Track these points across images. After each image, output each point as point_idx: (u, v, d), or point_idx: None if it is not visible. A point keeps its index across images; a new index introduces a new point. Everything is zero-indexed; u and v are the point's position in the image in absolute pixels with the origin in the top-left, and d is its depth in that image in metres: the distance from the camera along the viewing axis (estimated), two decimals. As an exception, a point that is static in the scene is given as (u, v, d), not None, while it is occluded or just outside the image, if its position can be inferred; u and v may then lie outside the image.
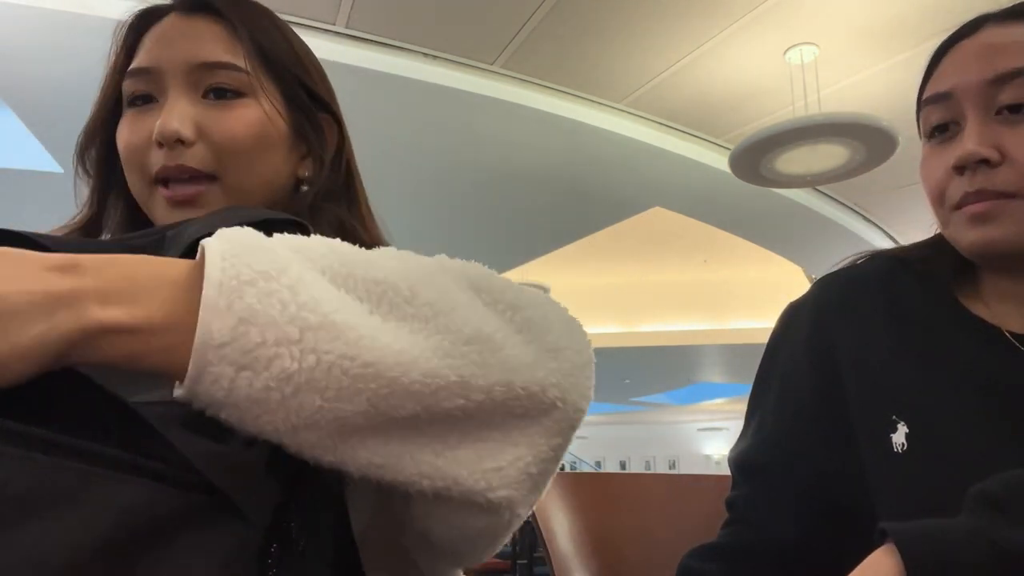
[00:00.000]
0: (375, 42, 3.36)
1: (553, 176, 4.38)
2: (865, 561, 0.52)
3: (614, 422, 15.47)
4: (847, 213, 5.31)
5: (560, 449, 0.45)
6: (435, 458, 0.41)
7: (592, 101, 3.91)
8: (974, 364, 0.70)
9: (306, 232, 0.53)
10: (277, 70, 0.70)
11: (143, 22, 0.71)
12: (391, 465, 0.40)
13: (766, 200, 4.66)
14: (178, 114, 0.65)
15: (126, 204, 0.73)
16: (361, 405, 0.38)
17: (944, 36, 0.75)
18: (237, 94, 0.67)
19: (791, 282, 6.18)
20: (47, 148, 3.66)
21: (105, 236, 0.72)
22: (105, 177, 0.73)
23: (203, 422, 0.38)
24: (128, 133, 0.67)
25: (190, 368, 0.36)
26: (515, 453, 0.43)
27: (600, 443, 15.01)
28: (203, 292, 0.36)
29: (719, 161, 4.25)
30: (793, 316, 0.83)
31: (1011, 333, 0.71)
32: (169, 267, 0.38)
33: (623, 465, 15.74)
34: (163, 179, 0.66)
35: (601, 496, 1.13)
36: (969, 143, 0.68)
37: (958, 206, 0.70)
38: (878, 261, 0.81)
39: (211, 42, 0.67)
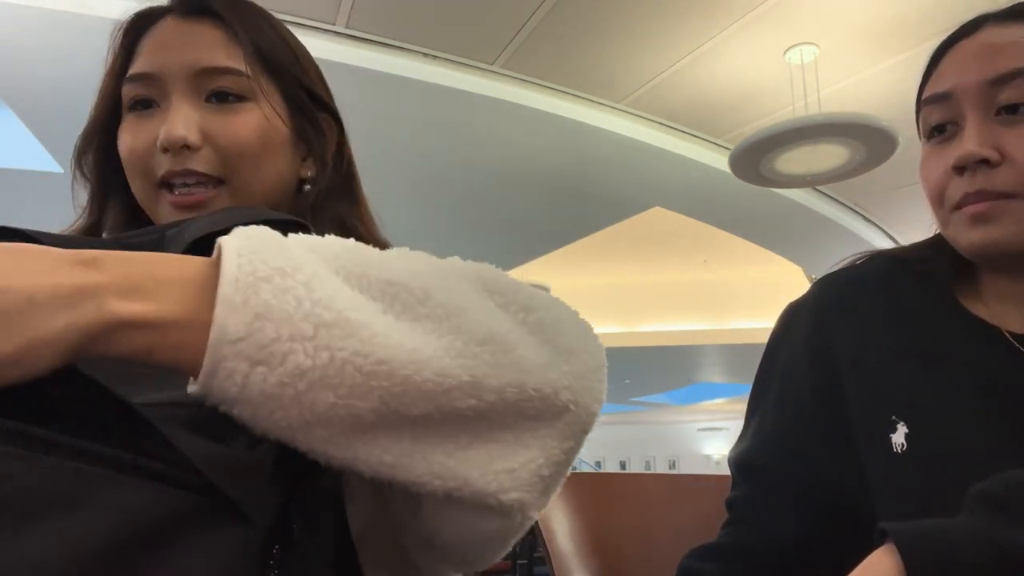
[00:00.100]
0: (375, 42, 3.36)
1: (553, 176, 4.38)
2: (865, 561, 0.52)
3: (614, 422, 15.47)
4: (847, 213, 5.31)
5: (572, 452, 0.45)
6: (446, 458, 0.41)
7: (592, 101, 3.91)
8: (974, 364, 0.70)
9: (307, 232, 0.53)
10: (277, 72, 0.70)
11: (140, 24, 0.70)
12: (402, 464, 0.40)
13: (766, 200, 4.66)
14: (183, 120, 0.65)
15: (125, 208, 0.73)
16: (374, 403, 0.38)
17: (944, 36, 0.75)
18: (239, 98, 0.67)
19: (791, 282, 6.18)
20: (47, 148, 3.66)
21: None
22: (104, 181, 0.72)
23: (205, 423, 0.38)
24: (130, 138, 0.67)
25: (205, 363, 0.36)
26: (527, 455, 0.43)
27: (600, 443, 15.01)
28: (219, 287, 0.36)
29: (719, 161, 4.25)
30: (793, 316, 0.83)
31: (1011, 333, 0.71)
32: (186, 264, 0.39)
33: (623, 465, 15.74)
34: (168, 183, 0.66)
35: (601, 496, 1.13)
36: (969, 143, 0.68)
37: (958, 206, 0.70)
38: (878, 261, 0.81)
39: (212, 47, 0.67)
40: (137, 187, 0.68)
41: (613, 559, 1.07)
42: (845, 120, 3.30)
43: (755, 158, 3.53)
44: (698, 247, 6.97)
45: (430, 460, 0.40)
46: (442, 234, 5.17)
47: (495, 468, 0.42)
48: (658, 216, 5.17)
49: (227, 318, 0.36)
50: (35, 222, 0.51)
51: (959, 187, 0.69)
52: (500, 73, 3.63)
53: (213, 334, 0.36)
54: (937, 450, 0.68)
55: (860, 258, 0.83)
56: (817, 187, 4.81)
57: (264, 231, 0.40)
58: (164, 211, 0.67)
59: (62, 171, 3.67)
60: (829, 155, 3.50)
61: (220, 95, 0.67)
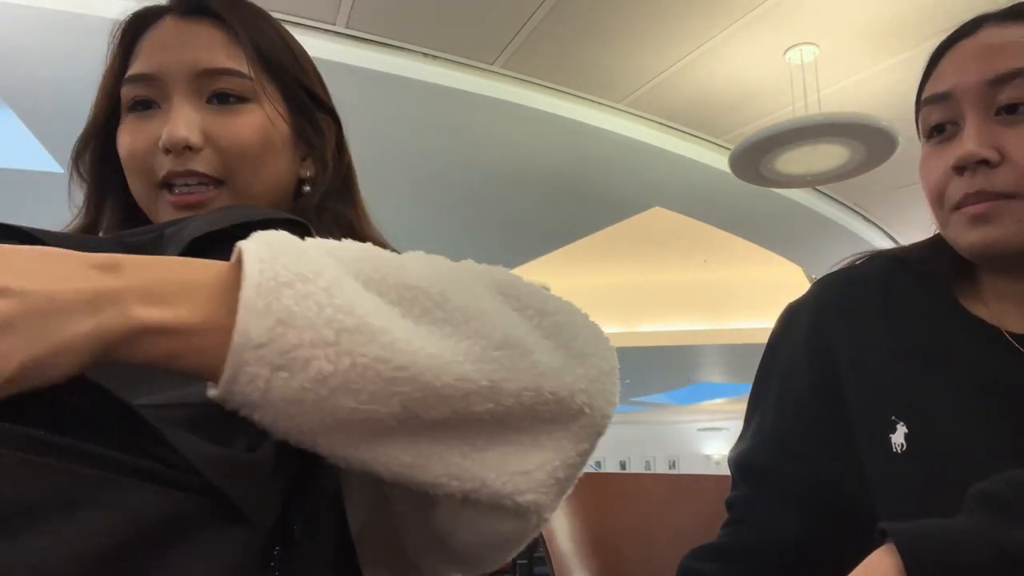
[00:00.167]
0: (375, 42, 3.36)
1: (553, 176, 4.38)
2: (865, 561, 0.52)
3: (614, 422, 15.15)
4: (847, 213, 5.30)
5: (586, 454, 0.45)
6: (463, 459, 0.41)
7: (592, 101, 3.91)
8: (973, 364, 0.70)
9: (307, 232, 0.53)
10: (278, 73, 0.70)
11: (138, 24, 0.70)
12: (420, 465, 0.40)
13: (766, 200, 4.66)
14: (185, 121, 0.65)
15: (122, 208, 0.73)
16: (394, 407, 0.38)
17: (944, 36, 0.75)
18: (240, 99, 0.67)
19: (791, 282, 6.17)
20: (47, 148, 3.66)
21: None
22: (100, 181, 0.72)
23: (205, 425, 0.38)
24: (131, 139, 0.67)
25: (227, 368, 0.36)
26: (542, 457, 0.43)
27: (600, 443, 14.93)
28: (242, 292, 0.36)
29: (719, 161, 4.25)
30: (793, 316, 0.83)
31: (1010, 333, 0.71)
32: (206, 269, 0.39)
33: (623, 465, 15.73)
34: (168, 184, 0.66)
35: (601, 496, 1.13)
36: (969, 144, 0.68)
37: (958, 207, 0.70)
38: (878, 261, 0.81)
39: (213, 47, 0.67)
40: (137, 187, 0.68)
41: (613, 559, 1.07)
42: (845, 120, 3.30)
43: (755, 158, 3.53)
44: (698, 247, 6.97)
45: (447, 462, 0.41)
46: (442, 234, 5.17)
47: (511, 469, 0.42)
48: (658, 216, 5.16)
49: (249, 323, 0.36)
50: (35, 222, 0.50)
51: (959, 187, 0.69)
52: (500, 73, 3.63)
53: (235, 339, 0.36)
54: (937, 450, 0.68)
55: (860, 258, 0.83)
56: (817, 187, 4.81)
57: (283, 235, 0.40)
58: (163, 211, 0.67)
59: (62, 171, 3.67)
60: (829, 155, 3.50)
61: (221, 97, 0.67)
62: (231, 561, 0.37)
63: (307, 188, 0.73)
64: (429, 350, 0.39)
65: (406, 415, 0.39)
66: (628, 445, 15.71)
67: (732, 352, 8.87)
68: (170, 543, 0.35)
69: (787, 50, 3.49)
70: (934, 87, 0.73)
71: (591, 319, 0.49)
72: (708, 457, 15.87)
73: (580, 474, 0.47)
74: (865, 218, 5.47)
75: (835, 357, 0.77)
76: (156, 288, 0.36)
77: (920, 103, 0.75)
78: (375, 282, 0.40)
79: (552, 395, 0.42)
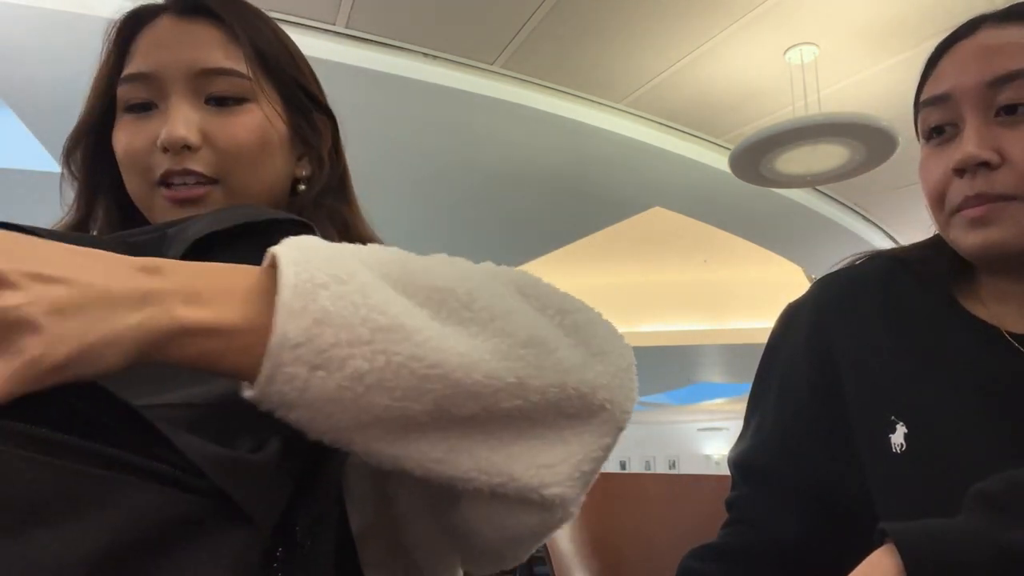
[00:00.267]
0: (375, 42, 3.35)
1: (553, 176, 4.38)
2: (865, 561, 0.52)
3: (614, 422, 15.35)
4: (847, 213, 5.30)
5: (609, 449, 0.46)
6: (491, 454, 0.42)
7: (592, 101, 3.91)
8: (973, 364, 0.70)
9: (310, 231, 0.53)
10: (276, 73, 0.70)
11: (134, 23, 0.70)
12: (450, 461, 0.41)
13: (766, 200, 4.65)
14: (184, 121, 0.65)
15: (115, 206, 0.72)
16: (427, 404, 0.39)
17: (943, 36, 0.75)
18: (238, 99, 0.67)
19: (791, 282, 6.17)
20: (47, 148, 3.66)
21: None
22: (92, 178, 0.72)
23: (209, 426, 0.38)
24: (128, 138, 0.67)
25: (265, 368, 0.36)
26: (567, 451, 0.44)
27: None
28: (278, 294, 0.37)
29: (719, 161, 4.25)
30: (793, 316, 0.83)
31: (1010, 333, 0.71)
32: (241, 273, 0.40)
33: (623, 465, 15.72)
34: (165, 182, 0.66)
35: (601, 496, 1.13)
36: (969, 145, 0.68)
37: (958, 209, 0.70)
38: (877, 261, 0.81)
39: (211, 47, 0.67)
40: (134, 185, 0.68)
41: (613, 559, 1.07)
42: (845, 120, 3.30)
43: (755, 158, 3.53)
44: (698, 247, 6.97)
45: (476, 457, 0.42)
46: (442, 234, 5.17)
47: (537, 463, 0.43)
48: (658, 216, 5.16)
49: (287, 324, 0.36)
50: (34, 222, 0.51)
51: (959, 190, 0.69)
52: (500, 73, 3.63)
53: (273, 340, 0.36)
54: (936, 450, 0.68)
55: (860, 258, 0.83)
56: (817, 187, 4.81)
57: (313, 240, 0.41)
58: (160, 207, 0.67)
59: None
60: (829, 155, 3.49)
61: (220, 98, 0.67)
62: (234, 562, 0.37)
63: (302, 187, 0.73)
64: (459, 349, 0.40)
65: (437, 412, 0.40)
66: (628, 445, 15.69)
67: (732, 352, 8.87)
68: (173, 543, 0.35)
69: (787, 50, 3.49)
70: (933, 89, 0.73)
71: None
72: (708, 457, 15.86)
73: (600, 468, 0.48)
74: (865, 218, 5.46)
75: (835, 357, 0.77)
76: (196, 290, 0.37)
77: (919, 105, 0.75)
78: (404, 284, 0.41)
79: (575, 391, 0.43)
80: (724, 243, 6.16)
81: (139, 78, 0.67)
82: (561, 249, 5.58)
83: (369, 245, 0.44)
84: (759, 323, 7.60)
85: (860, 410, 0.74)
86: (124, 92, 0.68)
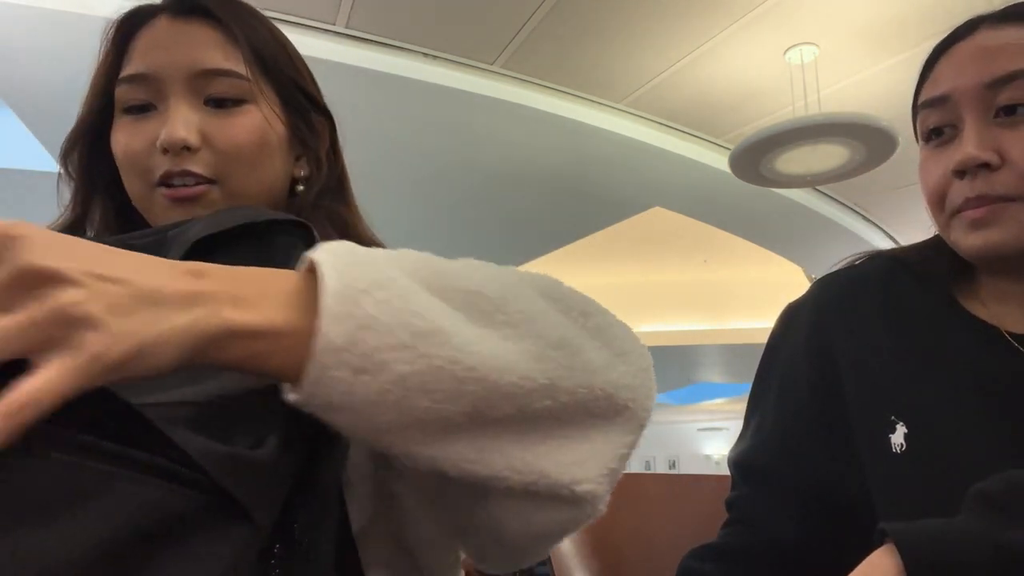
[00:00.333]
0: (375, 42, 3.35)
1: (553, 176, 4.38)
2: (865, 561, 0.52)
3: (614, 422, 15.34)
4: (847, 213, 5.30)
5: (633, 446, 0.48)
6: (524, 453, 0.43)
7: (592, 101, 3.91)
8: (973, 364, 0.70)
9: (309, 232, 0.53)
10: (274, 74, 0.70)
11: (131, 23, 0.70)
12: (483, 460, 0.42)
13: (766, 200, 4.65)
14: (183, 122, 0.65)
15: (111, 207, 0.72)
16: (465, 406, 0.40)
17: (943, 36, 0.75)
18: (237, 101, 0.67)
19: (791, 282, 6.17)
20: (47, 148, 3.66)
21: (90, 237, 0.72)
22: (88, 179, 0.72)
23: (208, 422, 0.38)
24: (127, 139, 0.67)
25: (310, 371, 0.37)
26: (594, 449, 0.45)
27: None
28: (321, 299, 0.38)
29: (719, 161, 4.25)
30: (792, 316, 0.83)
31: (1010, 333, 0.71)
32: (278, 276, 0.41)
33: (623, 465, 15.67)
34: (164, 182, 0.66)
35: (601, 496, 1.13)
36: (969, 147, 0.68)
37: (959, 210, 0.70)
38: (877, 262, 0.81)
39: (210, 48, 0.67)
40: (133, 186, 0.68)
41: (613, 559, 1.07)
42: (845, 120, 3.30)
43: (755, 158, 3.53)
44: (698, 247, 6.96)
45: (508, 456, 0.43)
46: (442, 234, 5.17)
47: (567, 461, 0.44)
48: (658, 216, 5.16)
49: (331, 328, 0.37)
50: (35, 222, 0.50)
51: (960, 191, 0.69)
52: (500, 73, 3.63)
53: (319, 344, 0.37)
54: (936, 450, 0.68)
55: (860, 258, 0.83)
56: (817, 187, 4.81)
57: (347, 244, 0.42)
58: (159, 206, 0.67)
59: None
60: (829, 155, 3.49)
61: (219, 99, 0.67)
62: (233, 558, 0.37)
63: (300, 187, 0.73)
64: (494, 351, 0.41)
65: (474, 413, 0.41)
66: (628, 445, 15.63)
67: (732, 352, 8.87)
68: (171, 539, 0.35)
69: (787, 50, 3.49)
70: (931, 90, 0.73)
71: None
72: (708, 457, 15.86)
73: (626, 465, 0.49)
74: (865, 218, 5.46)
75: (835, 357, 0.77)
76: (240, 293, 0.38)
77: (917, 106, 0.75)
78: (438, 287, 0.42)
79: (602, 391, 0.45)
80: (724, 243, 6.16)
81: (137, 79, 0.67)
82: (561, 249, 5.58)
83: (399, 249, 0.45)
84: (759, 323, 7.60)
85: (860, 410, 0.74)
86: (122, 93, 0.68)
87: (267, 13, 0.74)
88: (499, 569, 0.56)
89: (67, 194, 0.73)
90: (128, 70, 0.68)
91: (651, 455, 15.91)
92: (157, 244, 0.52)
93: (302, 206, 0.71)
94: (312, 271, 0.40)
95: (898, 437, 0.70)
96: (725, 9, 3.18)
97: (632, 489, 1.18)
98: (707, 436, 16.03)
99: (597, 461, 0.45)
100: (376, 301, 0.38)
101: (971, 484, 0.55)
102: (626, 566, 1.08)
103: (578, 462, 0.44)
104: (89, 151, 0.71)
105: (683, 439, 16.17)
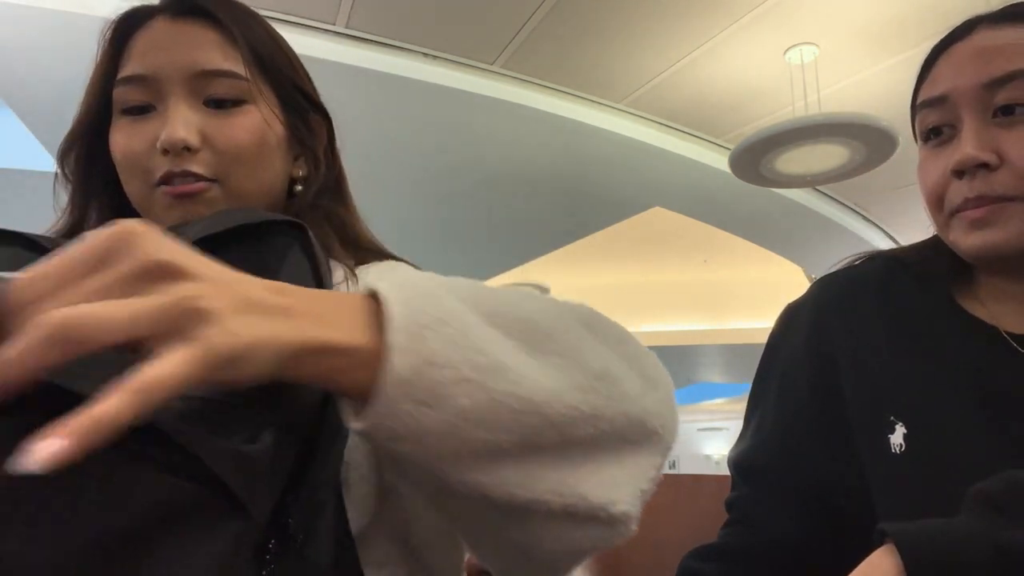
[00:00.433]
0: (375, 42, 3.36)
1: (553, 176, 4.38)
2: (865, 561, 0.52)
3: (614, 422, 15.34)
4: (847, 213, 5.30)
5: (660, 469, 0.50)
6: (564, 476, 0.44)
7: (592, 101, 3.91)
8: (972, 365, 0.70)
9: (304, 232, 0.53)
10: (272, 74, 0.70)
11: (129, 24, 0.70)
12: (528, 485, 0.43)
13: (766, 200, 4.66)
14: (183, 122, 0.65)
15: (108, 208, 0.72)
16: (517, 436, 0.42)
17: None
18: (237, 101, 0.67)
19: (791, 282, 6.17)
20: (47, 148, 3.66)
21: None
22: (86, 181, 0.72)
23: (204, 418, 0.38)
24: (126, 140, 0.67)
25: (378, 404, 0.38)
26: (626, 472, 0.47)
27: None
28: (388, 333, 0.38)
29: (719, 161, 4.25)
30: (792, 317, 0.83)
31: (1009, 333, 0.71)
32: (347, 299, 0.41)
33: (623, 465, 15.66)
34: (165, 182, 0.66)
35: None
36: (968, 147, 0.68)
37: (958, 210, 0.70)
38: (877, 262, 0.81)
39: (209, 49, 0.67)
40: (133, 187, 0.68)
41: (613, 559, 1.07)
42: (845, 120, 3.30)
43: (755, 158, 3.53)
44: (698, 247, 6.97)
45: (550, 480, 0.44)
46: (442, 234, 5.17)
47: (604, 483, 0.46)
48: (658, 216, 5.16)
49: (398, 362, 0.38)
50: (35, 222, 0.51)
51: (959, 192, 0.69)
52: (500, 73, 3.63)
53: (387, 378, 0.38)
54: (935, 451, 0.68)
55: (859, 258, 0.83)
56: (817, 187, 4.81)
57: (405, 273, 0.44)
58: (160, 205, 0.67)
59: (62, 171, 3.66)
60: (829, 155, 3.50)
61: (219, 100, 0.67)
62: (225, 552, 0.37)
63: (299, 187, 0.73)
64: (545, 382, 0.42)
65: (523, 442, 0.42)
66: (628, 445, 15.62)
67: (732, 352, 8.87)
68: (165, 531, 0.35)
69: (787, 50, 3.49)
70: (930, 91, 0.73)
71: None
72: (708, 457, 15.86)
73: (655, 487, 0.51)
74: (865, 218, 5.47)
75: (834, 357, 0.77)
76: (321, 312, 0.39)
77: (916, 106, 0.75)
78: (492, 315, 0.43)
79: (636, 419, 0.46)
80: (724, 243, 6.16)
81: (136, 80, 0.67)
82: (561, 249, 5.58)
83: (452, 277, 0.47)
84: (759, 323, 7.60)
85: (859, 410, 0.74)
86: (121, 94, 0.68)
87: (266, 13, 0.74)
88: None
89: (63, 196, 0.73)
90: (126, 71, 0.68)
91: (651, 455, 15.88)
92: None
93: (301, 206, 0.71)
94: (373, 298, 0.41)
95: (897, 437, 0.70)
96: (725, 9, 3.18)
97: (632, 489, 1.18)
98: (707, 436, 16.03)
99: (631, 483, 0.47)
100: (441, 336, 0.40)
101: (970, 484, 0.55)
102: (626, 566, 1.08)
103: (614, 484, 0.46)
104: (87, 152, 0.71)
105: (683, 439, 16.16)
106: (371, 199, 0.78)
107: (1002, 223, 0.67)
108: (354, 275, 0.66)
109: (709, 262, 7.49)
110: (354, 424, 0.40)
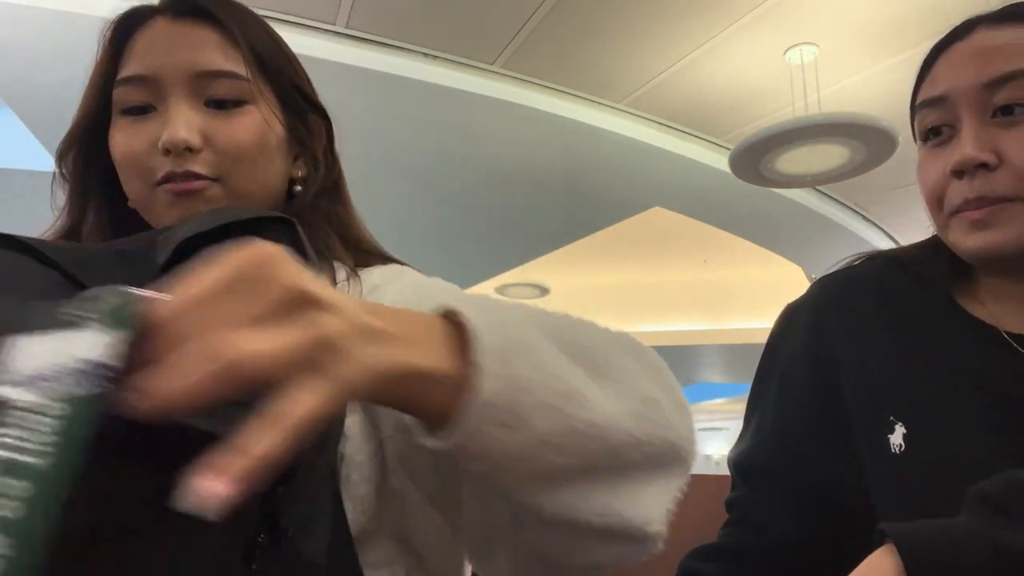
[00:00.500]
0: (375, 42, 3.36)
1: (553, 176, 4.38)
2: (865, 561, 0.52)
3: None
4: (847, 213, 5.30)
5: (683, 487, 0.51)
6: (607, 497, 0.45)
7: (592, 101, 3.91)
8: (972, 365, 0.70)
9: (294, 229, 0.53)
10: (272, 75, 0.70)
11: (129, 24, 0.70)
12: (578, 506, 0.44)
13: (766, 200, 4.66)
14: (185, 122, 0.65)
15: (106, 208, 0.72)
16: (579, 459, 0.43)
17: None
18: (237, 101, 0.67)
19: (791, 282, 6.17)
20: (47, 148, 3.66)
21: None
22: (85, 182, 0.72)
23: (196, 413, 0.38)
24: (126, 140, 0.67)
25: (464, 425, 0.39)
26: (657, 491, 0.48)
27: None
28: (478, 357, 0.39)
29: (719, 161, 4.25)
30: (792, 317, 0.83)
31: (1008, 333, 0.71)
32: (429, 320, 0.41)
33: (623, 465, 15.64)
34: (166, 181, 0.66)
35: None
36: (967, 147, 0.68)
37: (957, 211, 0.70)
38: (876, 262, 0.81)
39: (210, 49, 0.67)
40: (134, 188, 0.68)
41: (613, 559, 1.07)
42: (845, 120, 3.30)
43: (755, 158, 3.53)
44: (698, 247, 6.97)
45: (595, 501, 0.45)
46: (442, 234, 5.17)
47: (639, 503, 0.47)
48: (658, 216, 5.16)
49: (487, 386, 0.39)
50: (35, 222, 0.51)
51: (958, 192, 0.69)
52: (500, 73, 3.63)
53: (476, 401, 0.39)
54: (935, 451, 0.68)
55: (859, 258, 0.83)
56: (817, 187, 4.81)
57: (481, 300, 0.44)
58: (161, 204, 0.66)
59: (62, 171, 3.66)
60: (829, 155, 3.50)
61: (219, 101, 0.67)
62: (213, 545, 0.37)
63: (298, 188, 0.73)
64: (606, 408, 0.44)
65: (583, 465, 0.44)
66: (628, 445, 15.62)
67: (732, 352, 8.87)
68: (153, 522, 0.35)
69: (787, 50, 3.49)
70: (929, 91, 0.73)
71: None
72: (708, 457, 15.85)
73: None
74: (865, 218, 5.47)
75: (834, 357, 0.77)
76: (408, 335, 0.39)
77: (915, 106, 0.75)
78: (559, 342, 0.45)
79: (672, 444, 0.48)
80: (724, 243, 6.16)
81: (136, 80, 0.67)
82: (561, 249, 5.58)
83: (516, 302, 0.48)
84: (759, 323, 7.60)
85: (859, 410, 0.74)
86: (121, 94, 0.68)
87: (266, 13, 0.74)
88: None
89: (60, 196, 0.73)
90: (127, 71, 0.67)
91: (651, 455, 15.87)
92: (146, 248, 0.51)
93: (300, 206, 0.71)
94: (451, 320, 0.41)
95: (897, 437, 0.70)
96: (725, 9, 3.18)
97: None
98: (707, 436, 16.03)
99: (660, 502, 0.48)
100: (528, 363, 0.41)
101: (970, 484, 0.55)
102: (626, 566, 1.08)
103: (648, 504, 0.47)
104: (86, 152, 0.71)
105: (683, 439, 16.12)
106: (371, 199, 0.78)
107: (1002, 224, 0.67)
108: (356, 276, 0.66)
109: (709, 262, 7.49)
110: (431, 443, 0.40)
